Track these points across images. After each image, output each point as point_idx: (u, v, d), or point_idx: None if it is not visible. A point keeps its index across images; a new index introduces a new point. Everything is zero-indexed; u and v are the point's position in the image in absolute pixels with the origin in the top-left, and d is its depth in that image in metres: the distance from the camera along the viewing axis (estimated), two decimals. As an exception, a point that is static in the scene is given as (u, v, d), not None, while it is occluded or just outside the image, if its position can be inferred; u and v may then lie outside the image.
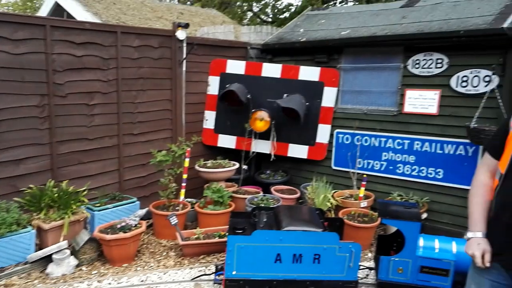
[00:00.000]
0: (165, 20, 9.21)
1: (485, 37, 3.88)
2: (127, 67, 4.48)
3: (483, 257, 1.78)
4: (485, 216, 1.85)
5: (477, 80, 4.07)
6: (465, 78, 4.14)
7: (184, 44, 4.92)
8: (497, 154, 1.86)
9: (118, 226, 3.76)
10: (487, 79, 4.00)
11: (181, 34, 4.83)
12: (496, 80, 3.92)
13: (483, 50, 4.02)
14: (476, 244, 1.82)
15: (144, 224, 3.93)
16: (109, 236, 3.60)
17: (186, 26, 4.90)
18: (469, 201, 1.94)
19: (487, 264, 1.76)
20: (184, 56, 4.94)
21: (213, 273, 3.44)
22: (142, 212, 4.35)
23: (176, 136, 4.98)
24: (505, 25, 3.73)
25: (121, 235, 3.64)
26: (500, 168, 1.81)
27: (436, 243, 3.18)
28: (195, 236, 4.03)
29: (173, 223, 3.88)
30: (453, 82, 4.22)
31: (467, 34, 3.96)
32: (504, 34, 3.69)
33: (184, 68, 5.00)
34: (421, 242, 3.18)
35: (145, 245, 4.16)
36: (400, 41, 4.46)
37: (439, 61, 4.30)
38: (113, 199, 4.39)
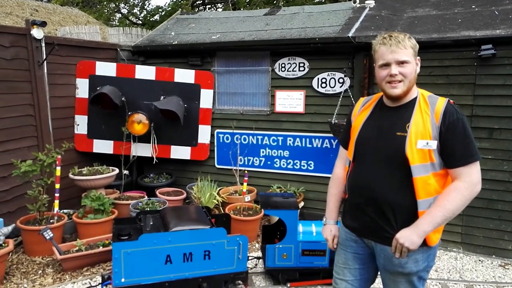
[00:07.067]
0: (16, 16, 7.63)
1: (336, 44, 4.09)
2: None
3: (333, 240, 2.01)
4: (338, 205, 2.03)
5: (333, 82, 4.32)
6: (324, 80, 4.37)
7: (43, 44, 4.10)
8: (346, 144, 1.96)
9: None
10: (341, 80, 4.27)
11: (37, 32, 4.01)
12: (348, 81, 4.21)
13: (335, 55, 4.25)
14: (328, 230, 2.02)
15: (11, 242, 3.30)
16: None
17: (42, 24, 4.10)
18: (327, 192, 2.07)
19: (335, 246, 2.00)
20: (44, 57, 4.11)
21: (99, 284, 3.00)
22: (8, 229, 3.62)
23: (43, 144, 4.14)
24: (350, 34, 4.03)
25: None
26: (348, 156, 1.91)
27: (313, 228, 3.28)
28: (76, 248, 3.49)
29: (48, 237, 3.31)
30: (314, 83, 4.41)
31: (321, 41, 4.13)
32: (350, 41, 3.97)
33: (45, 70, 4.16)
34: (300, 228, 3.23)
35: (15, 266, 3.46)
36: (266, 46, 4.48)
37: (301, 64, 4.45)
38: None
